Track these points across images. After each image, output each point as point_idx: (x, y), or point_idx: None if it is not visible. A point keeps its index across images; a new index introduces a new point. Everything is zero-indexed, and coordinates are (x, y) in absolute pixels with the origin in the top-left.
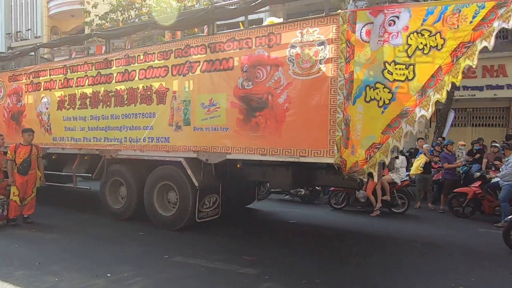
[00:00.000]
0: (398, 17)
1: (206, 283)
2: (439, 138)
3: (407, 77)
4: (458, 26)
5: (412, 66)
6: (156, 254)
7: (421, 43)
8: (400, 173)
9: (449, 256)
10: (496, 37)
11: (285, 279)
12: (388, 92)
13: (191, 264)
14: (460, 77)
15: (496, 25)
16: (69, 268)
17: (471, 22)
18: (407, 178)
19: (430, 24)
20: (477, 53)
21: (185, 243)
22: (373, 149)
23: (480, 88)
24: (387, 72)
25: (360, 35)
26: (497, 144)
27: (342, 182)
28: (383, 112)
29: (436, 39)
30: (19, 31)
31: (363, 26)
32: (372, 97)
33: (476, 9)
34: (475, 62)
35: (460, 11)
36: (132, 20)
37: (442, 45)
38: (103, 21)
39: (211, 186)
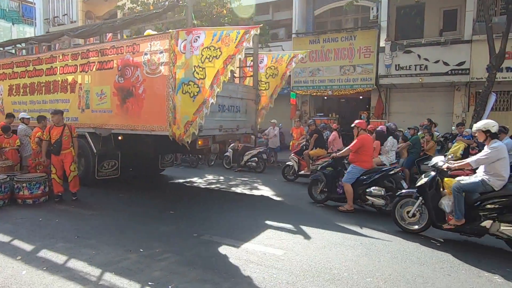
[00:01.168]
0: (199, 37)
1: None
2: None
3: (203, 77)
4: (228, 44)
5: (205, 69)
6: (185, 232)
7: (209, 54)
8: (389, 156)
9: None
10: None
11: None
12: (196, 87)
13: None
14: (227, 78)
15: (245, 44)
16: (105, 243)
17: (234, 42)
18: (396, 160)
19: (215, 42)
20: (236, 62)
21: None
22: (188, 125)
23: None
24: (196, 73)
25: (180, 47)
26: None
27: (187, 149)
28: (193, 100)
29: (217, 52)
30: (56, 16)
31: (182, 42)
32: (187, 90)
33: (236, 34)
34: (235, 67)
35: (229, 34)
36: (162, 3)
37: (219, 56)
38: (134, 5)
39: (109, 153)
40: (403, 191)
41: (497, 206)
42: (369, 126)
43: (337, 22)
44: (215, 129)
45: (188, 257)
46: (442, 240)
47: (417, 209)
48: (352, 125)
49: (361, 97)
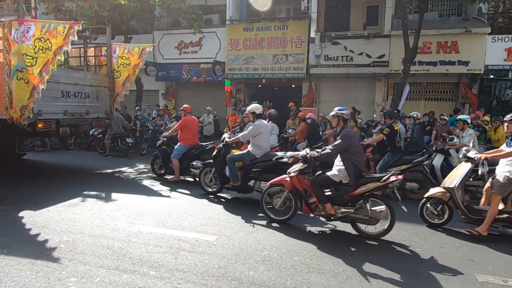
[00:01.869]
0: (30, 28)
1: None
2: (395, 111)
3: (33, 64)
4: (56, 37)
5: (37, 58)
6: None
7: (42, 45)
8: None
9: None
10: (449, 15)
11: None
12: (28, 74)
13: None
14: (55, 66)
15: (72, 38)
16: None
17: (62, 35)
18: (278, 145)
19: (44, 33)
20: (62, 52)
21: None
22: (24, 109)
23: (434, 64)
24: (27, 61)
25: (13, 36)
26: (445, 117)
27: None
28: (27, 86)
29: (48, 44)
30: None
31: (15, 31)
32: (21, 77)
33: (64, 28)
34: (62, 58)
35: (56, 28)
36: None
37: (50, 47)
38: None
39: None
40: (202, 162)
41: (258, 169)
42: (299, 114)
43: (270, 11)
44: (59, 113)
45: (116, 248)
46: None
47: (212, 175)
48: (180, 108)
49: (293, 86)
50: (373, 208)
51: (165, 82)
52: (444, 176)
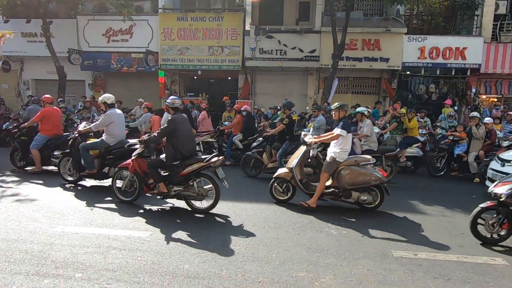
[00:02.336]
0: None
1: None
2: (325, 104)
3: None
4: None
5: None
6: None
7: None
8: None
9: None
10: (372, 14)
11: None
12: None
13: None
14: None
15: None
16: None
17: None
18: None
19: None
20: None
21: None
22: None
23: (359, 59)
24: None
25: None
26: (369, 109)
27: None
28: None
29: None
30: None
31: None
32: None
33: None
34: None
35: None
36: None
37: None
38: None
39: None
40: (61, 152)
41: (112, 156)
42: (235, 106)
43: (205, 2)
44: None
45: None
46: (303, 205)
47: (71, 164)
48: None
49: (229, 78)
50: (205, 187)
51: (92, 71)
52: None
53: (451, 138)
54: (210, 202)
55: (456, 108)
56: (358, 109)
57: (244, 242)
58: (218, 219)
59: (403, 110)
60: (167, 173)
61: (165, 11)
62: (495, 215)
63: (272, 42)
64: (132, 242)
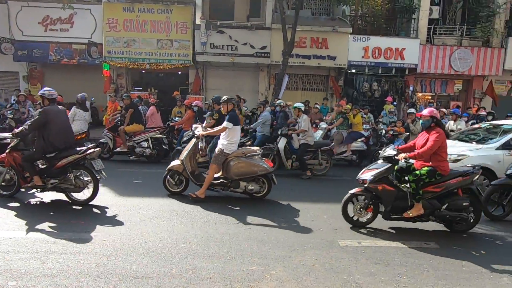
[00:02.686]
0: None
1: None
2: (275, 99)
3: None
4: None
5: None
6: None
7: None
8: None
9: None
10: (320, 14)
11: None
12: None
13: None
14: None
15: None
16: None
17: None
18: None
19: None
20: None
21: None
22: None
23: (308, 57)
24: None
25: None
26: (317, 106)
27: None
28: None
29: None
30: None
31: None
32: None
33: None
34: None
35: None
36: None
37: None
38: None
39: None
40: None
41: None
42: (185, 101)
43: None
44: None
45: None
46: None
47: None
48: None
49: (179, 73)
50: (85, 179)
51: (26, 62)
52: (287, 157)
53: (391, 133)
54: (88, 194)
55: (396, 104)
56: (295, 105)
57: (195, 239)
58: (166, 218)
59: (349, 106)
60: (44, 166)
61: (110, 1)
62: (363, 200)
63: (223, 37)
64: (73, 245)
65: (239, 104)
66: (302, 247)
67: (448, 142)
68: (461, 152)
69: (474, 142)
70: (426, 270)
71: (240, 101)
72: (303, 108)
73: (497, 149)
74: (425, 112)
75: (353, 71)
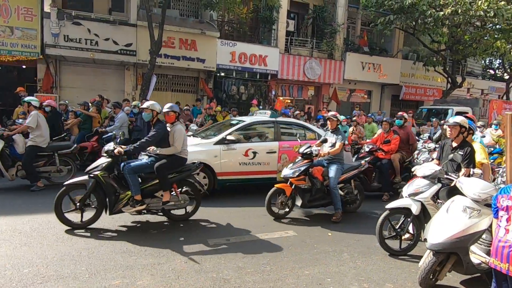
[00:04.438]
0: None
1: None
2: (143, 100)
3: None
4: None
5: None
6: None
7: None
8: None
9: None
10: (188, 15)
11: None
12: None
13: None
14: None
15: None
16: None
17: None
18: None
19: None
20: None
21: None
22: None
23: (177, 58)
24: None
25: None
26: (187, 107)
27: None
28: None
29: None
30: None
31: None
32: None
33: None
34: None
35: None
36: None
37: None
38: None
39: None
40: None
41: None
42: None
43: None
44: None
45: None
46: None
47: None
48: None
49: (24, 67)
50: None
51: None
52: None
53: None
54: None
55: (261, 107)
56: (26, 99)
57: (44, 260)
58: (4, 240)
59: (218, 108)
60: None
61: None
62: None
63: (81, 30)
64: None
65: (102, 105)
66: (171, 252)
67: (189, 139)
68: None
69: (201, 138)
70: (286, 256)
71: (102, 101)
72: (33, 103)
73: (215, 144)
74: None
75: (222, 74)
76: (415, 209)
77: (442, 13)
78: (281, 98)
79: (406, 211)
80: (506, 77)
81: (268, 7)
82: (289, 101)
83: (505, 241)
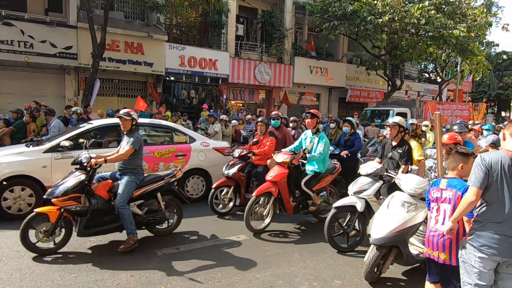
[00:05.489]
0: None
1: None
2: (89, 107)
3: None
4: None
5: None
6: None
7: None
8: None
9: None
10: (134, 18)
11: None
12: None
13: None
14: None
15: None
16: None
17: None
18: None
19: None
20: None
21: None
22: None
23: (123, 62)
24: None
25: None
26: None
27: None
28: None
29: None
30: None
31: None
32: None
33: None
34: None
35: None
36: None
37: None
38: None
39: None
40: None
41: None
42: None
43: None
44: None
45: None
46: None
47: None
48: None
49: None
50: None
51: None
52: None
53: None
54: None
55: (212, 111)
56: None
57: None
58: None
59: (168, 114)
60: None
61: None
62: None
63: (13, 31)
64: None
65: (38, 112)
66: (116, 265)
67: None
68: None
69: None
70: (238, 261)
71: (39, 108)
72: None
73: (46, 151)
74: None
75: (171, 78)
76: (359, 206)
77: (381, 20)
78: (232, 101)
79: (351, 208)
80: (439, 80)
81: (217, 11)
82: (240, 105)
83: (435, 230)
